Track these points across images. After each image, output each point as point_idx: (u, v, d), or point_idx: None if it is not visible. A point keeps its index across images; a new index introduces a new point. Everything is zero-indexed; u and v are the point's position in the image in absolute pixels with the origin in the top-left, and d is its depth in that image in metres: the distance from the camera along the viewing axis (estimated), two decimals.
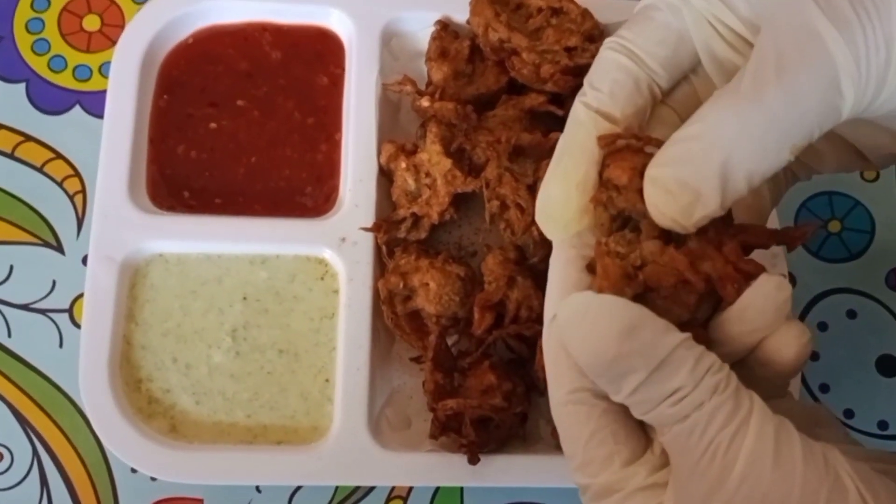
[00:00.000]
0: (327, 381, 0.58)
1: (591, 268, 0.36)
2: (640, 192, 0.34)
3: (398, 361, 0.60)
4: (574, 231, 0.37)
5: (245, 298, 0.60)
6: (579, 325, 0.32)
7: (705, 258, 0.33)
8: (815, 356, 0.65)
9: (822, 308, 0.66)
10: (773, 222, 0.65)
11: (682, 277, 0.33)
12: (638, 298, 0.34)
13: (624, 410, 0.35)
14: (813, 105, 0.32)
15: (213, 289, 0.60)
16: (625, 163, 0.35)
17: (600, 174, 0.37)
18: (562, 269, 0.36)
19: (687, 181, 0.32)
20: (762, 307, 0.33)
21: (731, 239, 0.34)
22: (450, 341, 0.57)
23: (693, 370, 0.32)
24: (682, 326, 0.34)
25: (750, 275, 0.33)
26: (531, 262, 0.59)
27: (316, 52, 0.65)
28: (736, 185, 0.33)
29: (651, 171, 0.34)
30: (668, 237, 0.34)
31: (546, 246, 0.53)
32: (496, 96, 0.61)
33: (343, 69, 0.64)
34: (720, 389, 0.32)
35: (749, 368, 0.36)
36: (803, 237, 0.35)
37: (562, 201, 0.37)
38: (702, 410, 0.31)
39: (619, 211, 0.36)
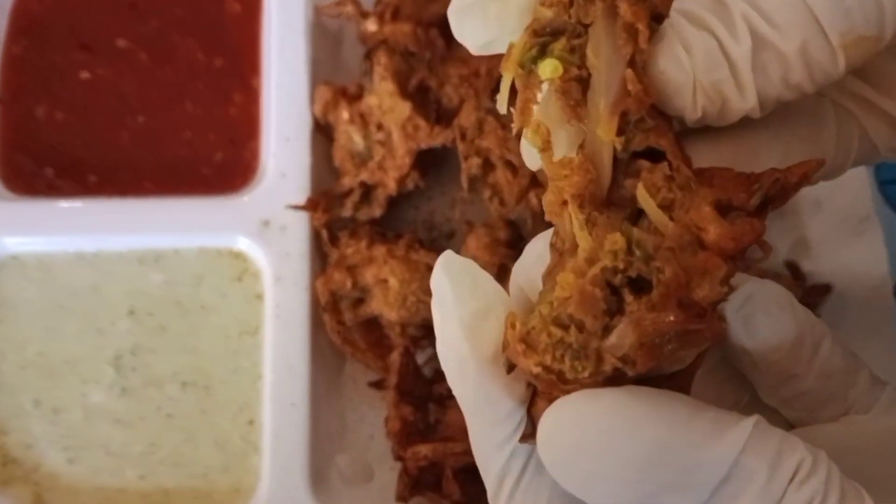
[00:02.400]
0: (251, 422, 0.48)
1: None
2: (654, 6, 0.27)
3: (352, 388, 0.51)
4: (498, 32, 0.29)
5: (133, 312, 0.50)
6: (575, 463, 0.25)
7: (692, 283, 0.26)
8: None
9: None
10: (864, 185, 0.51)
11: (680, 333, 0.26)
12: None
13: None
14: None
15: (88, 301, 0.50)
16: None
17: None
18: (484, 392, 0.28)
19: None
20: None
21: (700, 211, 0.26)
22: (421, 358, 0.49)
23: (768, 484, 0.25)
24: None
25: (742, 245, 0.26)
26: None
27: None
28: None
29: None
30: (617, 295, 0.26)
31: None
32: None
33: None
34: None
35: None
36: (799, 181, 0.27)
37: None
38: None
39: (576, 26, 0.27)
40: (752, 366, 0.30)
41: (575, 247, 0.26)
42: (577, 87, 0.27)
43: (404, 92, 0.48)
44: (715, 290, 0.25)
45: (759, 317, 0.30)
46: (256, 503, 0.47)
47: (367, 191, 0.49)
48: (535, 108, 0.27)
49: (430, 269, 0.47)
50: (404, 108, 0.47)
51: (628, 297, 0.25)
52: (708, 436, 0.25)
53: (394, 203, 0.50)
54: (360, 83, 0.50)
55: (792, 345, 0.30)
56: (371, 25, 0.49)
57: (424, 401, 0.47)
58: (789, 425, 0.31)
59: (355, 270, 0.48)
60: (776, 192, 0.27)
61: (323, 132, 0.51)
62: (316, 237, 0.50)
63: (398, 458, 0.46)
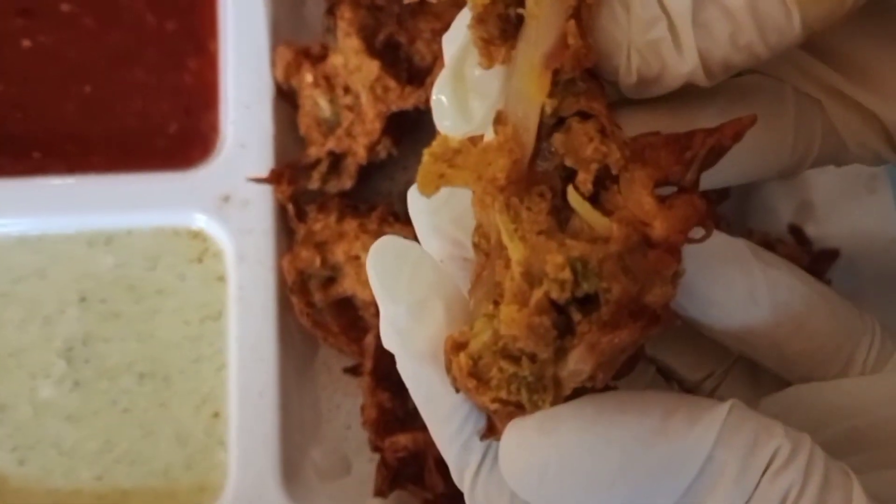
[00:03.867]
0: (216, 415, 0.46)
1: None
2: None
3: (325, 375, 0.48)
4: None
5: (84, 299, 0.47)
6: (543, 486, 0.24)
7: (643, 289, 0.24)
8: None
9: None
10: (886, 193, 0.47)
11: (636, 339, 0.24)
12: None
13: None
14: None
15: (34, 287, 0.47)
16: None
17: None
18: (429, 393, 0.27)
19: None
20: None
21: (641, 202, 0.24)
22: None
23: (740, 476, 0.24)
24: None
25: (688, 232, 0.24)
26: None
27: None
28: None
29: None
30: (564, 313, 0.24)
31: None
32: None
33: None
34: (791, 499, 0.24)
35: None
36: (733, 141, 0.25)
37: None
38: None
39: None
40: (710, 332, 0.28)
41: (501, 246, 0.24)
42: (496, 24, 0.24)
43: (371, 49, 0.44)
44: (667, 291, 0.24)
45: (706, 279, 0.27)
46: (224, 502, 0.43)
47: (336, 160, 0.46)
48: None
49: None
50: (372, 67, 0.43)
51: (577, 316, 0.23)
52: (680, 436, 0.24)
53: (366, 173, 0.47)
54: (324, 42, 0.46)
55: (745, 306, 0.27)
56: None
57: (403, 386, 0.44)
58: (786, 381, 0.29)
59: (325, 247, 0.44)
60: (709, 158, 0.25)
61: (286, 98, 0.48)
62: (281, 212, 0.46)
63: (376, 448, 0.43)
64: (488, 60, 0.24)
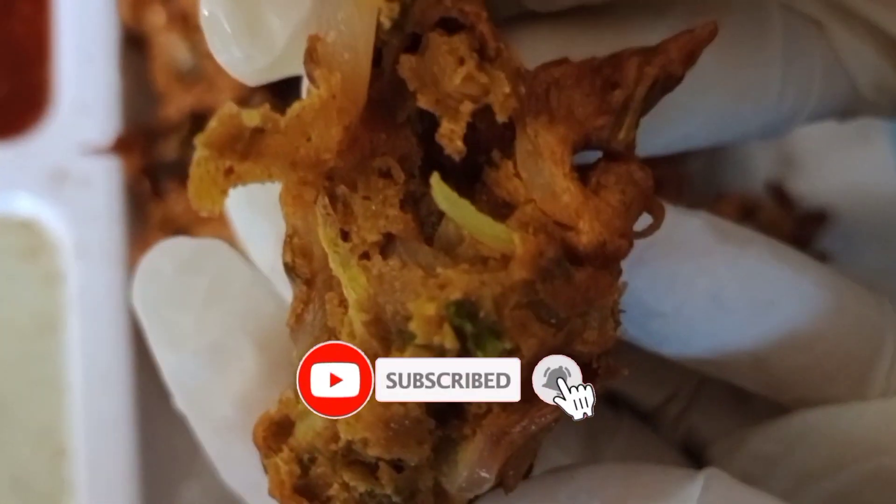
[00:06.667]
0: (61, 452, 0.40)
1: None
2: None
3: None
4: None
5: None
6: None
7: (572, 334, 0.16)
8: None
9: None
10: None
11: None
12: None
13: None
14: None
15: None
16: None
17: None
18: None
19: None
20: None
21: (555, 190, 0.16)
22: None
23: None
24: None
25: (632, 226, 0.17)
26: None
27: None
28: None
29: None
30: None
31: None
32: None
33: None
34: None
35: None
36: (685, 60, 0.17)
37: None
38: None
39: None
40: (659, 353, 0.22)
41: (330, 273, 0.16)
42: None
43: None
44: (605, 331, 0.16)
45: (644, 281, 0.20)
46: None
47: (199, 120, 0.39)
48: None
49: None
50: None
51: None
52: None
53: None
54: None
55: (706, 314, 0.21)
56: None
57: None
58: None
59: (186, 233, 0.37)
60: (649, 98, 0.18)
61: (137, 47, 0.41)
62: (132, 191, 0.39)
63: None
64: None
